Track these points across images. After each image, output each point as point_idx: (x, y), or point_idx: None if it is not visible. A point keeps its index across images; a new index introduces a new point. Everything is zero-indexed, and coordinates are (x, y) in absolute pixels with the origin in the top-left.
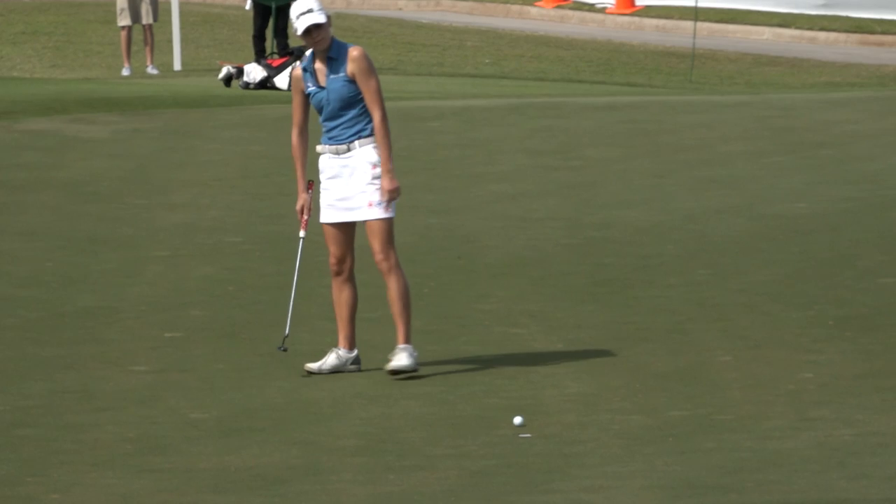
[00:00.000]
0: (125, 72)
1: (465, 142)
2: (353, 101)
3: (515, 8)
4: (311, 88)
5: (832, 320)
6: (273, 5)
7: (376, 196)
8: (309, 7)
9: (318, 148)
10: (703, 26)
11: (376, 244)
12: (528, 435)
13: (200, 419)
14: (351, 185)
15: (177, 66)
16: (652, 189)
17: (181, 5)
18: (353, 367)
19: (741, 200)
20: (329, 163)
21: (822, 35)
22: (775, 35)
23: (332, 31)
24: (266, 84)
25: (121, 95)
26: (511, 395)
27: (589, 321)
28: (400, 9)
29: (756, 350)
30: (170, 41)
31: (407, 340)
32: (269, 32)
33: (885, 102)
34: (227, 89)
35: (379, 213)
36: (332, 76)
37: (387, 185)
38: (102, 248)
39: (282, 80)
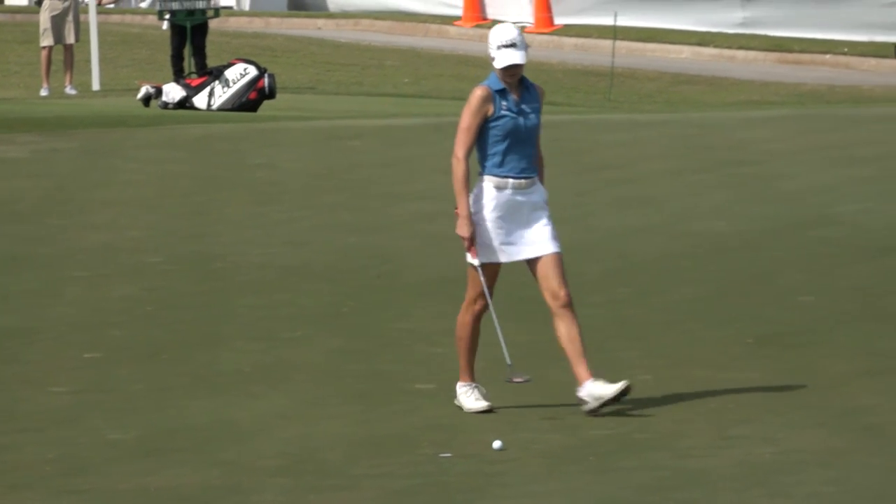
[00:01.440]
0: (43, 92)
1: (384, 161)
2: (538, 134)
3: (434, 27)
4: (507, 112)
5: (752, 338)
6: (189, 25)
7: (553, 230)
8: (511, 40)
9: (494, 181)
10: (622, 45)
11: (558, 278)
12: (449, 454)
13: (121, 440)
14: (531, 219)
15: (95, 86)
16: (573, 208)
17: (99, 25)
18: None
19: (662, 219)
20: (508, 198)
21: (741, 54)
22: (694, 54)
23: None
24: (185, 104)
25: (39, 115)
26: (432, 414)
27: (510, 340)
28: (319, 28)
29: (676, 368)
30: (88, 61)
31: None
32: (187, 52)
33: (804, 121)
34: (146, 109)
35: (559, 245)
36: (526, 105)
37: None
38: (22, 269)
39: (200, 100)
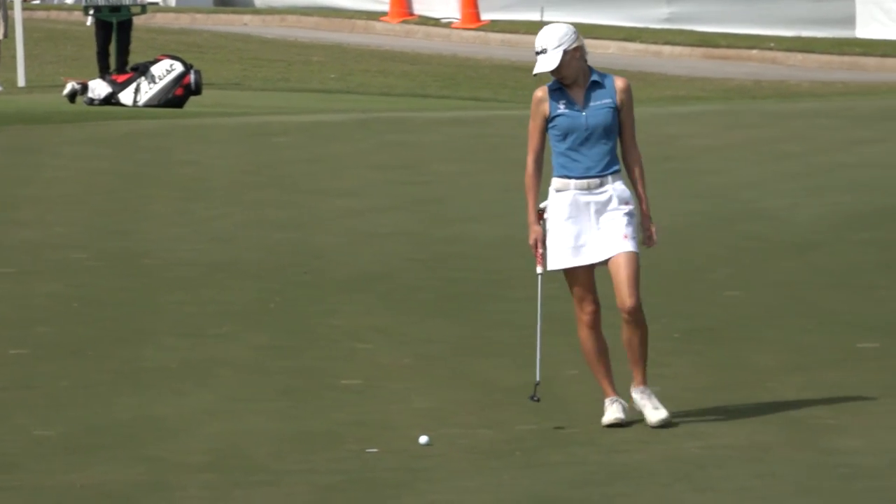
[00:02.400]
0: None
1: (311, 157)
2: (613, 131)
3: (361, 23)
4: (565, 111)
5: (679, 333)
6: (114, 21)
7: (629, 230)
8: (541, 47)
9: (557, 183)
10: None
11: (625, 284)
12: (376, 450)
13: (46, 436)
14: (601, 222)
15: (21, 82)
16: (500, 203)
17: (25, 21)
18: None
19: None
20: (572, 199)
21: (668, 49)
22: (620, 49)
23: (578, 58)
24: (111, 100)
25: None
26: (358, 409)
27: (437, 336)
28: (245, 24)
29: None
30: (14, 57)
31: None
32: (112, 48)
33: (730, 116)
34: (72, 105)
35: (633, 245)
36: (594, 102)
37: (651, 228)
38: None
39: (126, 96)
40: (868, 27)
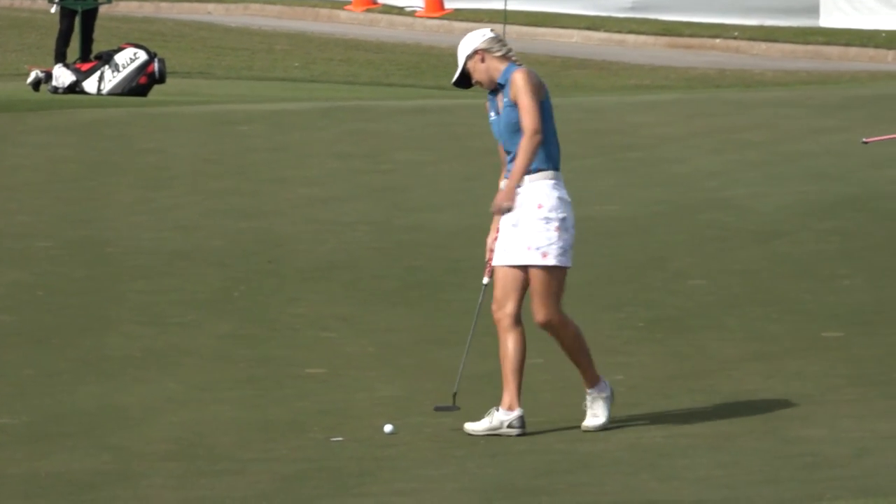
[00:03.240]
0: None
1: (274, 145)
2: (518, 128)
3: (325, 11)
4: (491, 117)
5: (642, 322)
6: (80, 9)
7: (537, 239)
8: (458, 58)
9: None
10: (513, 29)
11: (534, 295)
12: (340, 438)
13: (10, 424)
14: (518, 224)
15: None
16: (462, 192)
17: None
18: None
19: None
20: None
21: (631, 38)
22: (584, 38)
23: (491, 59)
24: (75, 88)
25: None
26: (322, 398)
27: (400, 324)
28: (209, 12)
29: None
30: None
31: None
32: (75, 36)
33: (693, 105)
34: (36, 94)
35: (538, 258)
36: (503, 104)
37: (500, 198)
38: None
39: (90, 85)
40: (831, 16)
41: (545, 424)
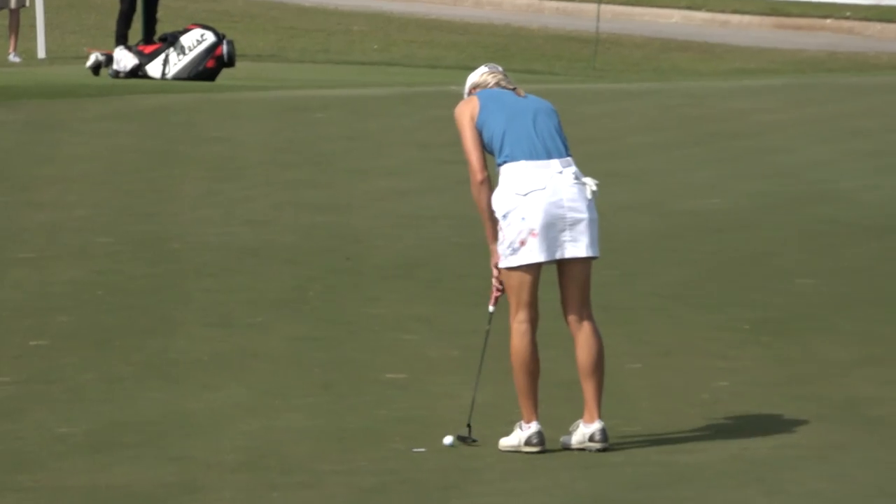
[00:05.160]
0: None
1: (351, 134)
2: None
3: None
4: None
5: (747, 324)
6: None
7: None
8: None
9: None
10: (608, 9)
11: None
12: (423, 449)
13: (68, 434)
14: None
15: (41, 53)
16: None
17: None
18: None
19: (649, 196)
20: None
21: (735, 18)
22: (685, 18)
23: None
24: (137, 72)
25: None
26: (402, 406)
27: (485, 326)
28: None
29: (666, 357)
30: (33, 27)
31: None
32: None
33: (803, 90)
34: (96, 78)
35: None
36: None
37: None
38: None
39: (154, 69)
40: None
41: (642, 434)
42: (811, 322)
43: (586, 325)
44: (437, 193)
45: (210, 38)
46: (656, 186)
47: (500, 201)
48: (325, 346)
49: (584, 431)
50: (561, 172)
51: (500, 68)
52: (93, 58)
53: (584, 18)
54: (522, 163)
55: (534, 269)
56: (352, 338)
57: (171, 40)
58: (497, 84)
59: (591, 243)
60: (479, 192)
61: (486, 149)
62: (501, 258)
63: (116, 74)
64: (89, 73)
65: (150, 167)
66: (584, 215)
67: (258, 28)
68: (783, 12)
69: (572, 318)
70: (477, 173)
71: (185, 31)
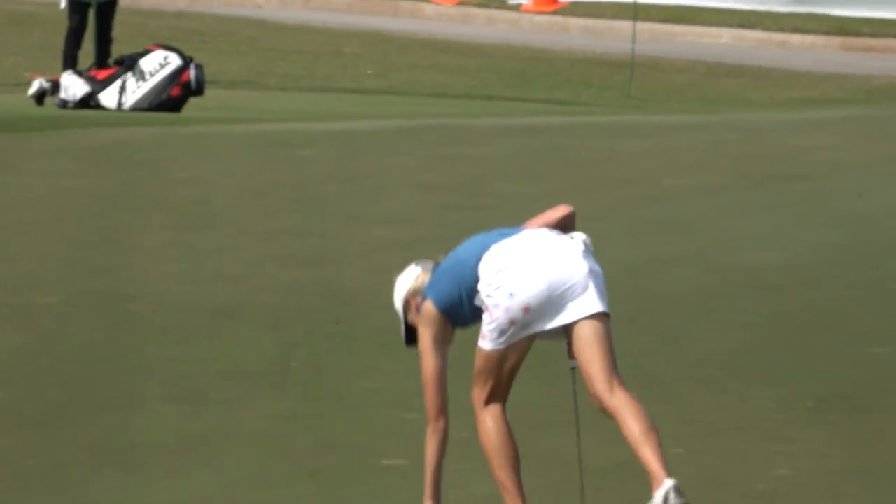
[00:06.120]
0: None
1: (343, 174)
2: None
3: (406, 5)
4: None
5: (811, 400)
6: (94, 1)
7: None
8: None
9: None
10: (645, 27)
11: None
12: None
13: None
14: None
15: None
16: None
17: None
18: None
19: (693, 248)
20: None
21: (796, 38)
22: (736, 38)
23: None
24: (89, 102)
25: None
26: (403, 498)
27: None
28: (259, 6)
29: (714, 438)
30: None
31: None
32: (88, 36)
33: (874, 123)
34: (40, 108)
35: None
36: None
37: None
38: None
39: (109, 97)
40: None
41: None
42: (887, 398)
43: (620, 393)
44: (444, 244)
45: (175, 61)
46: (702, 237)
47: (484, 283)
48: (311, 425)
49: (657, 499)
50: (540, 235)
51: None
52: (36, 84)
53: (616, 38)
54: (492, 248)
55: (519, 348)
56: (343, 416)
57: (129, 64)
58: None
59: (600, 297)
60: (429, 440)
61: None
62: (486, 340)
63: (64, 104)
64: (32, 102)
65: (104, 213)
66: (584, 269)
67: (232, 49)
68: (852, 31)
69: (600, 389)
70: (430, 420)
71: (146, 52)
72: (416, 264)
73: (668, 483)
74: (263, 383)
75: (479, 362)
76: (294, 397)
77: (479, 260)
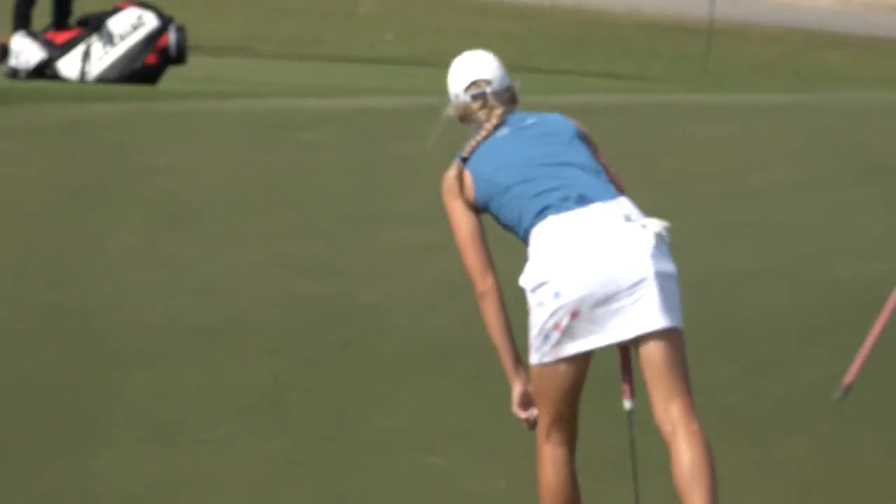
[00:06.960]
0: None
1: (355, 164)
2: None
3: None
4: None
5: None
6: None
7: None
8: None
9: None
10: None
11: None
12: None
13: None
14: None
15: None
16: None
17: None
18: None
19: (787, 257)
20: None
21: None
22: (839, 3)
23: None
24: (45, 70)
25: None
26: None
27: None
28: None
29: (818, 495)
30: None
31: None
32: None
33: None
34: None
35: None
36: None
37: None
38: None
39: (70, 66)
40: None
41: None
42: None
43: (682, 424)
44: None
45: (151, 21)
46: (797, 243)
47: (527, 274)
48: (312, 471)
49: None
50: (605, 218)
51: (490, 70)
52: None
53: (691, 0)
54: (549, 220)
55: (575, 364)
56: (352, 460)
57: (95, 24)
58: (488, 120)
59: (667, 308)
60: (484, 306)
61: (505, 227)
62: (532, 351)
63: (14, 73)
64: None
65: (63, 209)
66: (649, 271)
67: (227, 8)
68: None
69: (661, 417)
70: (477, 283)
71: (116, 10)
72: (466, 71)
73: None
74: (254, 419)
75: (531, 384)
76: (291, 437)
77: (509, 190)
